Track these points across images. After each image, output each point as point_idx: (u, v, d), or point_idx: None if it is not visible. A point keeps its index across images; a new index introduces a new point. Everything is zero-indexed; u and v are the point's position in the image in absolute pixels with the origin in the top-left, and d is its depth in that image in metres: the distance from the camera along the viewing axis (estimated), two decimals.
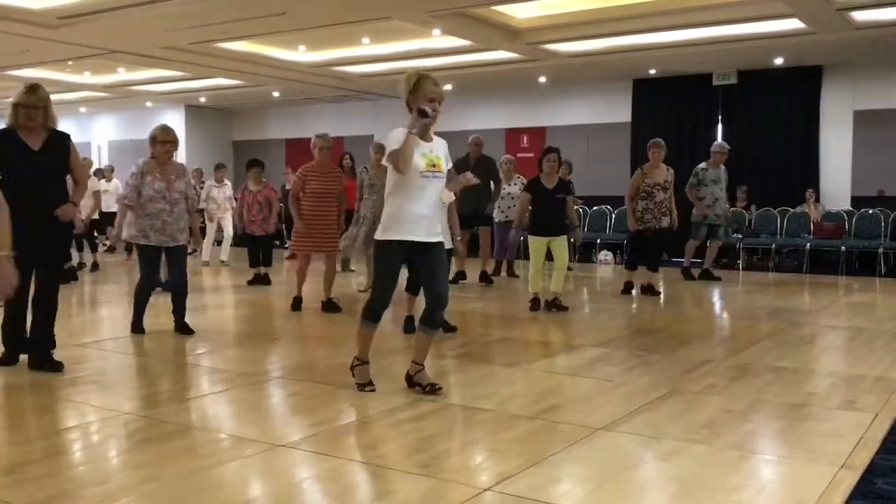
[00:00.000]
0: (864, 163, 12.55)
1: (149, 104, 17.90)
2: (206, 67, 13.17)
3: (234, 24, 10.19)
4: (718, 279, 10.62)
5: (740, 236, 12.54)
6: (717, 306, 8.84)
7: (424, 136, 4.53)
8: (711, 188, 10.27)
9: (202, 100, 17.46)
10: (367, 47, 12.06)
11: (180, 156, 18.44)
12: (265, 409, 4.67)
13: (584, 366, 5.65)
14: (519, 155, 15.19)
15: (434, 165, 4.51)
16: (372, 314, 4.71)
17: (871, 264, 11.82)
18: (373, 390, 4.71)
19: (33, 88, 5.15)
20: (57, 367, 5.19)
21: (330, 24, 10.26)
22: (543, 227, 7.74)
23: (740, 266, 12.17)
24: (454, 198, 4.77)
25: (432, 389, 4.64)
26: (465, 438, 4.03)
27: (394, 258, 4.60)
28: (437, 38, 11.17)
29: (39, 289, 5.23)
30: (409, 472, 3.43)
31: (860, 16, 9.73)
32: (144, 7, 9.35)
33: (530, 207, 7.84)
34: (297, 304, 7.99)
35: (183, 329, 6.57)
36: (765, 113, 13.14)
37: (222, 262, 12.42)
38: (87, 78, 14.71)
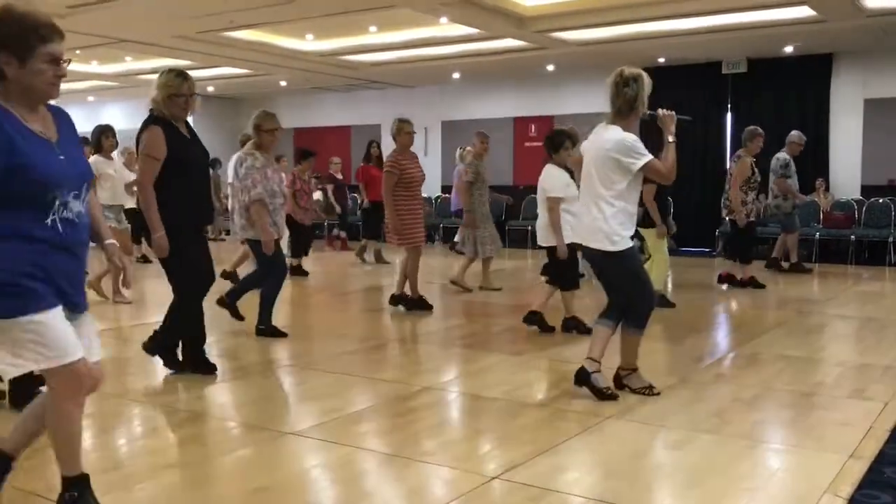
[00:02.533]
0: (875, 152, 12.47)
1: (156, 93, 17.89)
2: (213, 56, 13.16)
3: (242, 13, 10.17)
4: (810, 271, 10.45)
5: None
6: (727, 296, 8.81)
7: None
8: (794, 179, 9.98)
9: (210, 89, 17.44)
10: (374, 35, 12.02)
11: None
12: (276, 397, 4.69)
13: None
14: (526, 144, 15.20)
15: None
16: (645, 320, 4.43)
17: (881, 254, 11.76)
18: (657, 393, 4.42)
19: (185, 75, 4.70)
20: (211, 367, 4.96)
21: (337, 13, 10.22)
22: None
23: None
24: None
25: (650, 392, 4.43)
26: (474, 427, 4.04)
27: (638, 261, 4.49)
28: (445, 27, 11.13)
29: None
30: (418, 461, 3.44)
31: (871, 3, 9.64)
32: None
33: None
34: (421, 302, 7.36)
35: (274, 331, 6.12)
36: (775, 101, 13.06)
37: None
38: (94, 67, 14.72)
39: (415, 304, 7.32)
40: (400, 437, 3.80)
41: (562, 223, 6.03)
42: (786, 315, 7.22)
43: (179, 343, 4.96)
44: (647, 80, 4.30)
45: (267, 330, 6.03)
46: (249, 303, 6.22)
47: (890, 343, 6.00)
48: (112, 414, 4.24)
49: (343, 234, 13.84)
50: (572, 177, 6.11)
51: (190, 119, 4.97)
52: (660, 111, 4.31)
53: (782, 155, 9.99)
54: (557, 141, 6.24)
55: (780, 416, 4.21)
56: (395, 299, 7.44)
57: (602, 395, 4.30)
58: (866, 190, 12.50)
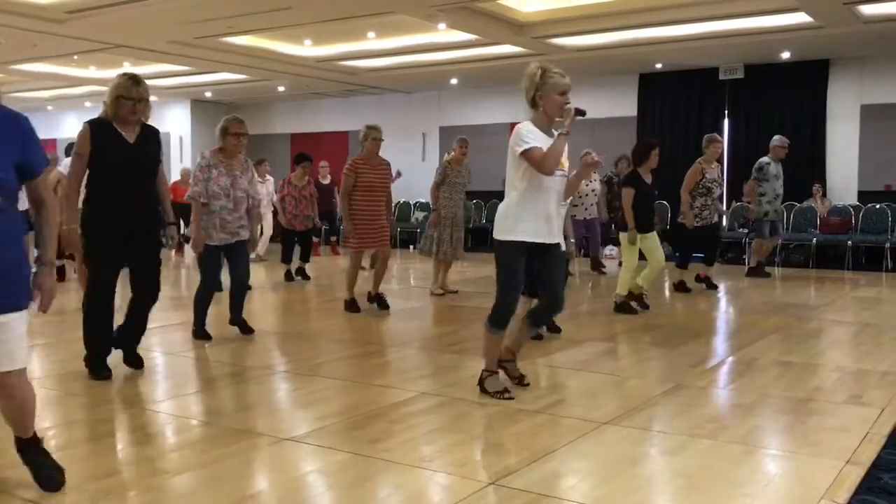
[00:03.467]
0: (872, 157, 12.50)
1: (154, 98, 17.85)
2: (211, 62, 13.18)
3: (240, 19, 10.18)
4: (769, 276, 10.55)
5: (746, 231, 12.51)
6: (724, 301, 8.81)
7: (548, 131, 4.44)
8: (773, 183, 10.08)
9: (208, 94, 17.46)
10: (372, 41, 12.05)
11: (186, 151, 18.48)
12: (272, 402, 4.68)
13: (589, 360, 5.64)
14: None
15: (561, 164, 4.38)
16: (499, 320, 4.48)
17: (878, 259, 11.78)
18: (511, 398, 4.45)
19: (136, 79, 4.76)
20: (140, 363, 5.15)
21: (335, 19, 10.25)
22: (646, 223, 7.49)
23: (746, 261, 12.13)
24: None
25: (520, 382, 4.71)
26: (471, 433, 4.03)
27: (519, 260, 4.38)
28: (443, 33, 11.15)
29: (136, 299, 5.01)
30: (415, 466, 3.43)
31: (868, 10, 9.67)
32: (151, 1, 9.35)
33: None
34: (352, 305, 7.60)
35: (242, 328, 6.31)
36: (771, 107, 13.09)
37: (259, 257, 12.18)
38: (92, 72, 14.73)
39: (349, 306, 7.59)
40: (397, 443, 3.79)
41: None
42: (783, 321, 7.22)
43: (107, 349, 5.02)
44: (539, 74, 4.46)
45: (199, 333, 6.16)
46: (257, 310, 6.21)
47: (887, 349, 6.01)
48: (103, 420, 4.23)
49: (333, 239, 13.85)
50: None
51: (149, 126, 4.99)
52: (567, 106, 4.38)
53: (762, 159, 10.18)
54: None
55: (778, 422, 4.21)
56: (371, 298, 7.72)
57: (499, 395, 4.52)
58: (863, 195, 12.53)
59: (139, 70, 14.34)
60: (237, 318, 6.33)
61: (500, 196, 4.66)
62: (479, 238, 14.13)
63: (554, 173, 4.28)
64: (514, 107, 15.31)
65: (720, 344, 6.56)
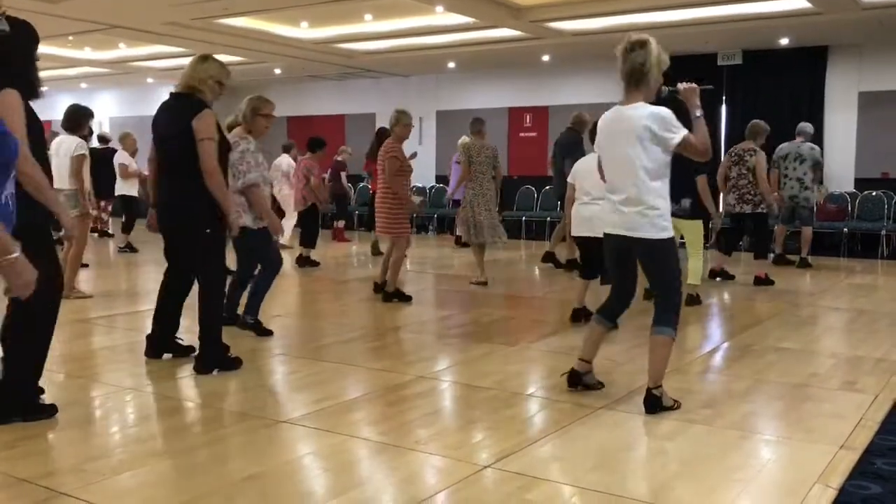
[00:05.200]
0: (869, 144, 12.49)
1: (150, 80, 17.80)
2: (207, 44, 13.07)
3: (236, 0, 10.11)
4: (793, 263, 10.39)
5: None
6: (720, 287, 8.83)
7: None
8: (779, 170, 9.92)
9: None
10: (369, 24, 11.97)
11: None
12: (269, 385, 4.68)
13: None
14: (521, 134, 15.18)
15: None
16: (677, 323, 4.04)
17: (874, 246, 11.80)
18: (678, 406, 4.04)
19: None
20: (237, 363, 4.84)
21: (332, 1, 10.18)
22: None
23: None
24: None
25: (599, 386, 4.36)
26: (466, 416, 4.05)
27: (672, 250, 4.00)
28: (440, 15, 11.08)
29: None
30: (411, 449, 3.45)
31: None
32: None
33: None
34: (399, 295, 7.31)
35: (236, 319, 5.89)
36: (769, 94, 13.05)
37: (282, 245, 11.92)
38: (87, 53, 14.63)
39: (394, 296, 7.31)
40: (393, 426, 3.80)
41: (587, 214, 5.91)
42: (778, 307, 7.24)
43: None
44: (656, 50, 3.93)
45: (256, 325, 5.78)
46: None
47: (882, 336, 6.03)
48: (101, 403, 4.23)
49: (340, 224, 13.78)
50: None
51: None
52: (680, 85, 4.02)
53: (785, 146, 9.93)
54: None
55: (772, 408, 4.23)
56: (378, 288, 7.54)
57: (598, 387, 4.32)
58: (860, 183, 12.53)
59: (133, 52, 14.33)
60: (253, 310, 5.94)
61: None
62: None
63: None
64: (511, 91, 15.28)
65: (715, 330, 6.57)
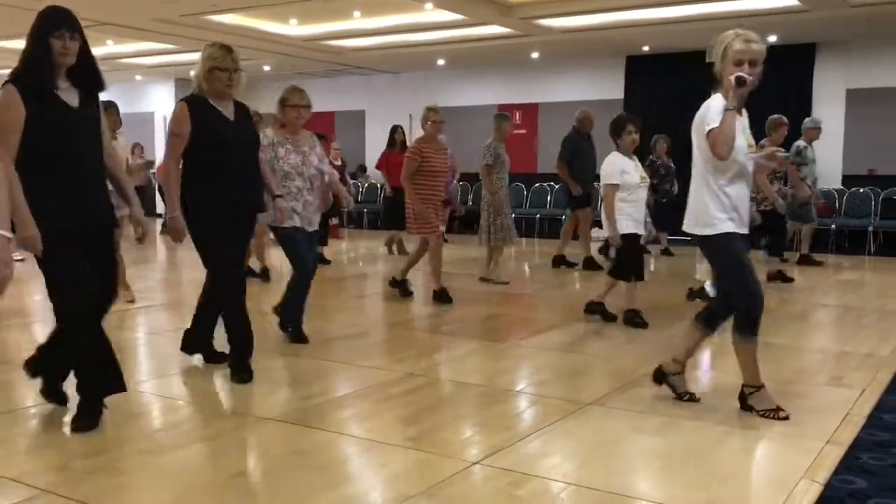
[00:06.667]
0: (856, 141, 12.55)
1: (138, 77, 17.71)
2: (196, 41, 13.00)
3: None
4: (821, 264, 10.16)
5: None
6: (708, 283, 8.85)
7: (738, 108, 3.88)
8: (811, 167, 9.71)
9: (193, 73, 17.30)
10: (358, 21, 11.94)
11: None
12: (257, 382, 4.67)
13: (574, 342, 5.67)
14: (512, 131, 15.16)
15: (751, 145, 3.93)
16: (746, 324, 3.94)
17: (861, 243, 11.87)
18: (786, 417, 3.83)
19: (228, 48, 4.45)
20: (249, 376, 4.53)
21: None
22: None
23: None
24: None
25: (690, 398, 4.11)
26: (455, 413, 4.05)
27: (735, 252, 3.90)
28: (430, 12, 11.07)
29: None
30: (399, 446, 3.45)
31: None
32: None
33: None
34: (443, 295, 7.11)
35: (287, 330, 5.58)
36: (757, 91, 12.99)
37: None
38: None
39: (438, 297, 7.12)
40: (381, 423, 3.80)
41: (618, 213, 5.92)
42: (767, 303, 7.22)
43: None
44: (720, 41, 3.89)
45: (294, 333, 5.48)
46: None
47: (869, 331, 6.06)
48: None
49: (335, 222, 13.76)
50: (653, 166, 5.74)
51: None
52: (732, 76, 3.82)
53: (798, 143, 9.77)
54: (620, 125, 6.10)
55: None
56: (395, 283, 7.45)
57: (680, 397, 4.14)
58: (847, 179, 12.59)
59: (121, 48, 14.25)
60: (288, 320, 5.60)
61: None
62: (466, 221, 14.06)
63: (730, 156, 3.73)
64: (501, 88, 15.29)
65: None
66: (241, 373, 4.47)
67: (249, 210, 4.54)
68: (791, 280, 8.54)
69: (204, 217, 4.34)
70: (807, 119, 10.14)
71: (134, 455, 3.33)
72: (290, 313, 5.49)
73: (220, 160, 4.34)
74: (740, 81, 3.74)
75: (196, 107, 4.40)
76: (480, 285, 8.18)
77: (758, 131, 9.47)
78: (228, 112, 4.45)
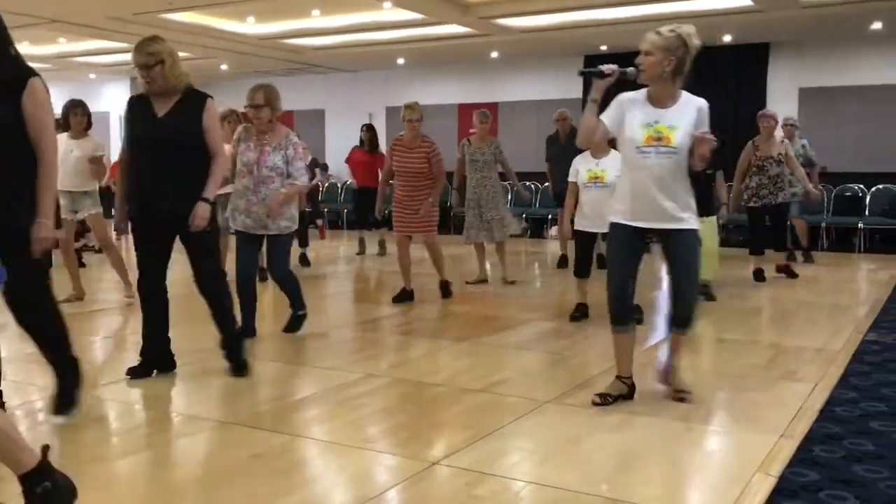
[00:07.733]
0: (809, 139, 12.76)
1: (92, 76, 17.41)
2: None
3: None
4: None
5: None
6: (664, 280, 8.96)
7: (658, 100, 4.04)
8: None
9: None
10: (317, 19, 11.88)
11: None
12: (213, 386, 4.62)
13: (533, 340, 5.70)
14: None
15: (660, 139, 3.87)
16: (611, 315, 4.11)
17: (814, 239, 12.09)
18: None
19: (142, 42, 4.31)
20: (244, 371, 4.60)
21: None
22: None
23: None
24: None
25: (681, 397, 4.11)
26: (415, 413, 4.05)
27: (611, 243, 4.07)
28: (388, 11, 11.05)
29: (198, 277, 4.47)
30: (359, 447, 3.43)
31: None
32: None
33: None
34: (407, 295, 7.08)
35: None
36: (712, 90, 13.16)
37: None
38: (26, 48, 14.24)
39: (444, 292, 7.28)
40: (341, 425, 3.79)
41: (577, 210, 6.21)
42: (721, 299, 7.36)
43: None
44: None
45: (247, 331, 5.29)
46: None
47: (821, 326, 6.18)
48: (42, 407, 4.13)
49: (320, 222, 13.66)
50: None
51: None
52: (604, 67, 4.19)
53: (799, 143, 9.96)
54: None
55: (715, 399, 4.30)
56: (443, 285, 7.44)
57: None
58: None
59: (74, 47, 13.99)
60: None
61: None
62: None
63: (586, 144, 3.93)
64: (461, 87, 15.31)
65: (659, 322, 6.67)
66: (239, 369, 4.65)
67: (161, 211, 4.27)
68: (796, 276, 8.73)
69: (131, 219, 4.45)
70: (784, 117, 10.20)
71: (88, 462, 3.27)
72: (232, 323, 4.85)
73: (139, 160, 4.35)
74: (598, 74, 4.04)
75: (131, 105, 4.46)
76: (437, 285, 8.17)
77: (719, 128, 9.46)
78: (164, 109, 4.31)
